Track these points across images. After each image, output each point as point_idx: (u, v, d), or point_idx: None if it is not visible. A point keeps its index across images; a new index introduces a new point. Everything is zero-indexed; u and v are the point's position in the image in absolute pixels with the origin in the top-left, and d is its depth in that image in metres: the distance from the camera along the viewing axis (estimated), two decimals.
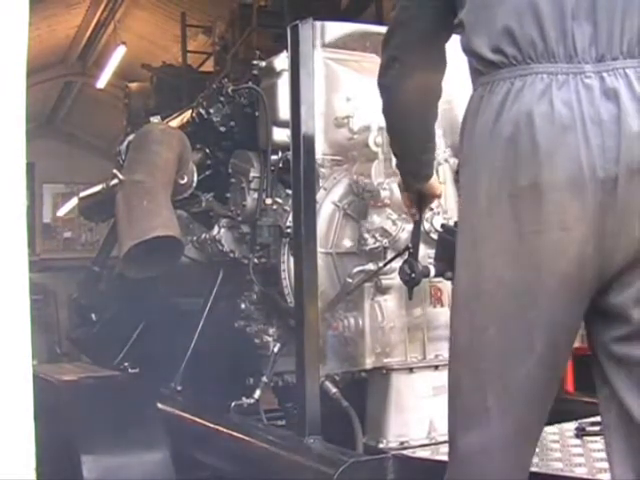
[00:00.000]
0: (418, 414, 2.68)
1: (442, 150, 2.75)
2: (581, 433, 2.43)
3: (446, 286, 2.66)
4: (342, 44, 2.92)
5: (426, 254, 2.58)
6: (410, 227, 2.54)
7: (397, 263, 2.57)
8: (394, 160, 2.20)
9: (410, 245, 2.48)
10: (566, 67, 1.51)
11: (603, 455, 1.63)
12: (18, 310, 1.27)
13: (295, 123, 2.55)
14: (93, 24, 13.12)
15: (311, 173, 2.55)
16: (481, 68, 1.60)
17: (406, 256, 2.48)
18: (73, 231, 17.14)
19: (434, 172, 2.17)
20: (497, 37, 1.56)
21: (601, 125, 1.48)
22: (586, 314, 1.58)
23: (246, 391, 2.96)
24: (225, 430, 2.80)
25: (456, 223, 1.76)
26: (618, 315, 1.55)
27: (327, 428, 2.47)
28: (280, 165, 3.07)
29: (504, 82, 1.55)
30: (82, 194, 4.55)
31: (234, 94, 3.25)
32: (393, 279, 2.66)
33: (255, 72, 3.13)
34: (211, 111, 3.35)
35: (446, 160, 2.77)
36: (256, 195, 3.12)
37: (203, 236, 3.37)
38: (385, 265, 2.66)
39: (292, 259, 2.76)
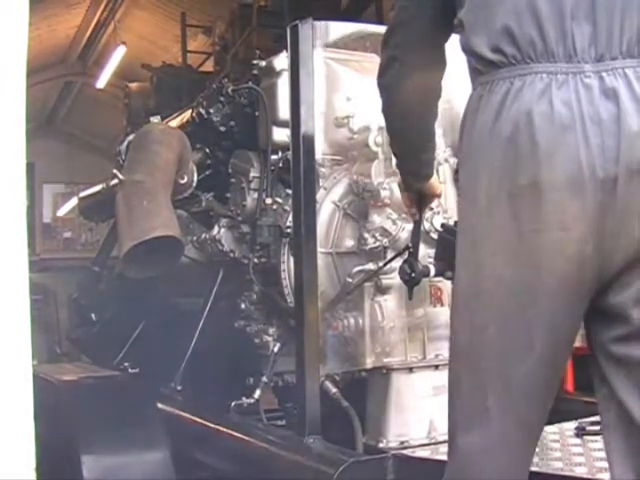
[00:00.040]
0: (418, 414, 2.68)
1: (442, 150, 2.75)
2: (581, 433, 2.43)
3: (446, 286, 2.66)
4: (342, 44, 2.92)
5: (426, 254, 2.58)
6: (410, 227, 2.54)
7: (397, 263, 2.57)
8: (394, 160, 2.20)
9: (410, 245, 2.48)
10: (565, 67, 1.51)
11: (603, 455, 1.63)
12: (18, 310, 1.27)
13: (295, 123, 2.55)
14: (93, 24, 13.12)
15: (311, 173, 2.55)
16: (480, 67, 1.60)
17: (406, 256, 2.48)
18: (73, 231, 17.13)
19: (434, 172, 2.17)
20: (496, 37, 1.56)
21: (601, 125, 1.48)
22: (585, 314, 1.58)
23: (246, 391, 2.96)
24: (225, 430, 2.81)
25: (456, 223, 1.76)
26: (617, 315, 1.55)
27: (327, 428, 2.47)
28: (280, 165, 3.07)
29: (503, 82, 1.55)
30: (82, 194, 4.55)
31: (234, 94, 3.25)
32: (393, 279, 2.66)
33: (255, 72, 3.13)
34: (211, 111, 3.35)
35: (446, 160, 2.77)
36: (256, 195, 3.12)
37: (203, 236, 3.37)
38: (385, 265, 2.66)
39: (292, 259, 2.76)
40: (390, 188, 2.70)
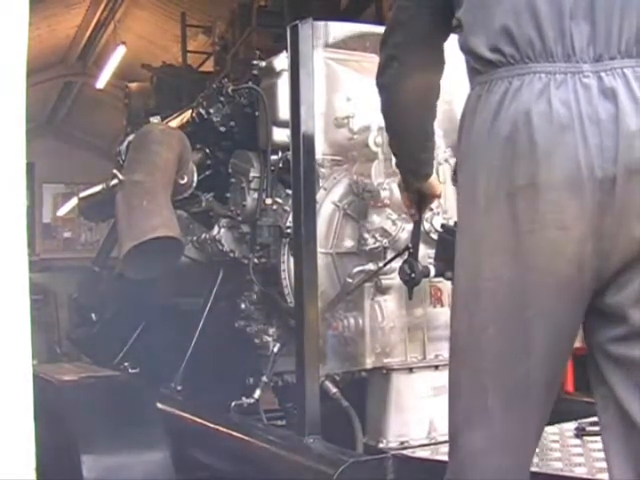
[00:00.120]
0: (418, 414, 2.68)
1: (442, 150, 2.75)
2: (581, 433, 2.43)
3: (446, 286, 2.66)
4: (342, 44, 2.91)
5: (426, 254, 2.58)
6: (410, 227, 2.54)
7: (397, 263, 2.57)
8: (394, 160, 2.20)
9: (410, 245, 2.48)
10: (564, 66, 1.52)
11: (603, 455, 1.63)
12: (18, 310, 1.27)
13: (295, 123, 2.55)
14: (93, 24, 13.13)
15: (311, 173, 2.55)
16: (479, 67, 1.60)
17: (406, 256, 2.48)
18: (73, 231, 17.14)
19: (434, 171, 2.18)
20: (495, 36, 1.56)
21: (599, 124, 1.48)
22: (584, 314, 1.59)
23: (246, 391, 2.96)
24: (225, 430, 2.80)
25: (456, 223, 1.76)
26: (616, 315, 1.55)
27: (327, 428, 2.47)
28: (280, 165, 3.07)
29: (502, 81, 1.55)
30: (82, 194, 4.55)
31: (234, 94, 3.25)
32: (393, 279, 2.66)
33: (255, 72, 3.13)
34: (211, 111, 3.35)
35: (446, 160, 2.77)
36: (256, 195, 3.12)
37: (203, 236, 3.37)
38: (385, 265, 2.66)
39: (292, 259, 2.76)
40: (390, 188, 2.70)
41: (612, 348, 1.56)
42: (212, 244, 3.29)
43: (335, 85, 2.87)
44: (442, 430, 2.52)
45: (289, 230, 2.87)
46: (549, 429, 2.48)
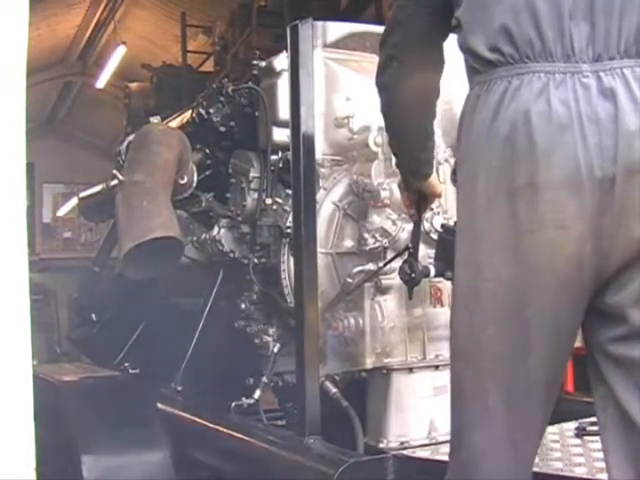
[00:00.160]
0: (418, 414, 2.68)
1: (442, 150, 2.75)
2: (581, 433, 2.43)
3: (446, 286, 2.66)
4: (342, 44, 2.91)
5: (426, 254, 2.58)
6: (410, 227, 2.54)
7: (397, 263, 2.57)
8: (394, 160, 2.20)
9: (410, 245, 2.48)
10: (563, 66, 1.52)
11: (603, 455, 1.63)
12: (18, 310, 1.27)
13: (295, 123, 2.55)
14: (93, 24, 13.12)
15: (311, 173, 2.55)
16: (478, 67, 1.60)
17: (406, 256, 2.48)
18: (73, 231, 17.13)
19: (434, 171, 2.18)
20: (494, 36, 1.56)
21: (598, 124, 1.48)
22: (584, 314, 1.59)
23: (246, 391, 2.96)
24: (225, 430, 2.80)
25: (456, 223, 1.76)
26: (615, 315, 1.55)
27: (327, 428, 2.47)
28: (280, 165, 3.07)
29: (501, 81, 1.55)
30: (82, 194, 4.54)
31: (234, 94, 3.25)
32: (393, 279, 2.66)
33: (255, 72, 3.13)
34: (211, 111, 3.35)
35: (446, 160, 2.77)
36: (256, 195, 3.12)
37: (203, 236, 3.37)
38: (385, 265, 2.66)
39: (292, 259, 2.76)
40: (390, 188, 2.70)
41: (612, 348, 1.56)
42: (212, 244, 3.29)
43: (335, 85, 2.87)
44: (442, 430, 2.52)
45: (289, 230, 2.87)
46: (549, 429, 2.47)
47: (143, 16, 12.46)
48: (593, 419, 2.39)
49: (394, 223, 2.70)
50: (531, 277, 1.53)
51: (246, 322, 3.16)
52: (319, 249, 2.61)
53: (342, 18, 4.17)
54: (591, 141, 1.48)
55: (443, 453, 2.25)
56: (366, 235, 2.73)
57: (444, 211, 2.75)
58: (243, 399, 2.90)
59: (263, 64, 3.09)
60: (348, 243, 2.84)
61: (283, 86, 2.88)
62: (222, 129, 3.34)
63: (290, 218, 2.85)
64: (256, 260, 3.07)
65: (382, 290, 2.71)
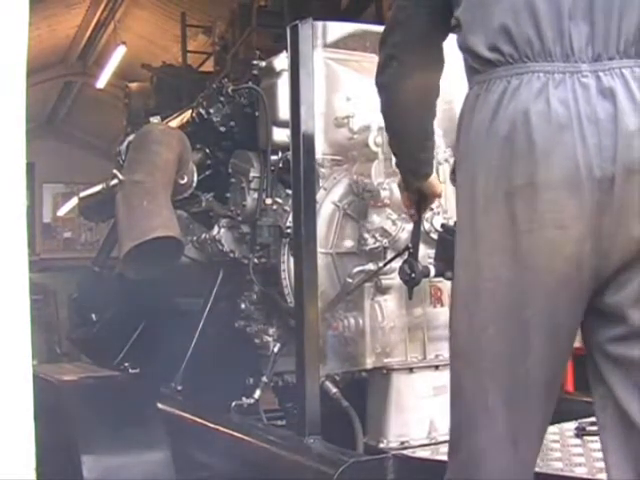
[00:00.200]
0: (418, 414, 2.68)
1: (442, 150, 2.75)
2: (581, 433, 2.43)
3: (446, 286, 2.66)
4: (342, 44, 2.91)
5: (426, 254, 2.58)
6: (410, 227, 2.54)
7: (397, 263, 2.57)
8: (394, 160, 2.20)
9: (410, 245, 2.48)
10: (563, 66, 1.52)
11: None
12: (18, 310, 1.27)
13: (295, 123, 2.55)
14: (93, 24, 13.13)
15: (311, 173, 2.55)
16: (477, 66, 1.61)
17: (406, 256, 2.48)
18: (73, 231, 17.14)
19: (434, 171, 2.18)
20: (494, 35, 1.56)
21: (598, 124, 1.48)
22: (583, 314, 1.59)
23: (246, 391, 2.96)
24: (225, 430, 2.80)
25: (455, 223, 1.76)
26: (614, 315, 1.55)
27: (327, 428, 2.47)
28: (280, 165, 3.07)
29: (500, 80, 1.55)
30: (82, 194, 4.54)
31: (234, 94, 3.25)
32: (393, 279, 2.66)
33: (255, 72, 3.13)
34: (211, 111, 3.35)
35: (446, 160, 2.76)
36: (256, 195, 3.12)
37: (203, 236, 3.37)
38: (385, 265, 2.66)
39: (292, 259, 2.76)
40: (390, 188, 2.70)
41: (611, 348, 1.56)
42: (212, 244, 3.29)
43: (335, 85, 2.87)
44: (442, 430, 2.52)
45: (289, 230, 2.87)
46: (549, 429, 2.47)
47: (143, 16, 12.46)
48: (593, 419, 2.39)
49: (394, 223, 2.70)
50: (530, 277, 1.53)
51: (246, 322, 3.16)
52: (319, 249, 2.61)
53: (342, 18, 4.16)
54: (590, 141, 1.48)
55: (443, 453, 2.25)
56: (366, 235, 2.73)
57: (444, 211, 2.75)
58: (243, 399, 2.90)
59: (263, 64, 3.08)
60: (348, 243, 2.83)
61: (283, 86, 2.88)
62: (222, 129, 3.34)
63: (290, 218, 2.85)
64: (256, 260, 3.07)
65: (382, 290, 2.71)
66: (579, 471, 2.11)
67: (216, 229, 3.27)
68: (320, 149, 2.75)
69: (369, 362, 2.70)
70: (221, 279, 3.38)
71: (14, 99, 1.28)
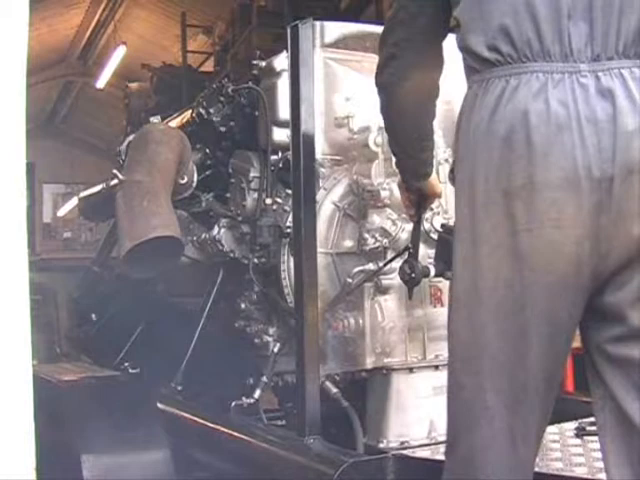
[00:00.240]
0: (418, 414, 2.68)
1: (442, 150, 2.75)
2: (581, 433, 2.43)
3: (446, 286, 2.65)
4: (342, 44, 2.91)
5: (426, 254, 2.58)
6: (410, 227, 2.54)
7: (397, 263, 2.57)
8: (394, 160, 2.20)
9: (410, 245, 2.48)
10: (561, 66, 1.52)
11: None
12: (18, 310, 1.27)
13: (295, 123, 2.55)
14: (93, 24, 13.13)
15: (311, 173, 2.55)
16: (476, 66, 1.60)
17: (406, 256, 2.48)
18: (73, 231, 17.14)
19: (434, 171, 2.18)
20: (493, 35, 1.56)
21: (597, 124, 1.48)
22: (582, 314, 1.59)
23: (246, 391, 2.96)
24: (225, 430, 2.80)
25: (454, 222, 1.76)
26: (614, 315, 1.55)
27: (327, 428, 2.47)
28: (280, 165, 3.07)
29: (499, 80, 1.55)
30: (82, 194, 4.55)
31: (234, 94, 3.25)
32: (393, 279, 2.66)
33: (255, 72, 3.13)
34: (211, 111, 3.35)
35: (446, 160, 2.76)
36: (256, 195, 3.12)
37: (203, 236, 3.37)
38: (385, 265, 2.66)
39: (292, 259, 2.76)
40: (390, 188, 2.70)
41: (610, 348, 1.56)
42: (212, 244, 3.29)
43: (335, 85, 2.87)
44: (442, 430, 2.51)
45: (289, 230, 2.87)
46: (549, 429, 2.47)
47: (143, 16, 12.46)
48: (593, 419, 2.38)
49: (394, 223, 2.70)
50: (529, 277, 1.53)
51: (246, 322, 3.16)
52: (319, 249, 2.61)
53: (342, 18, 4.17)
54: (589, 141, 1.48)
55: (443, 453, 2.24)
56: (366, 235, 2.73)
57: (444, 211, 2.74)
58: (243, 399, 2.89)
59: (263, 64, 3.08)
60: (348, 243, 2.83)
61: (283, 86, 2.88)
62: (222, 129, 3.34)
63: (290, 218, 2.85)
64: (256, 260, 3.07)
65: (382, 290, 2.71)
66: (579, 471, 2.11)
67: (216, 229, 3.27)
68: (320, 149, 2.75)
69: (369, 362, 2.70)
70: (221, 279, 3.38)
71: (14, 99, 1.28)
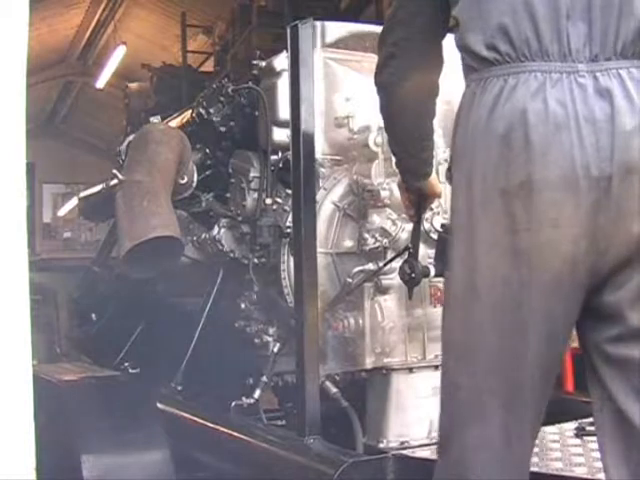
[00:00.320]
0: (418, 414, 2.68)
1: (442, 150, 2.75)
2: (581, 433, 2.43)
3: None
4: (342, 44, 2.91)
5: (426, 254, 2.58)
6: (410, 227, 2.54)
7: (397, 263, 2.57)
8: (394, 160, 2.20)
9: (410, 245, 2.48)
10: (560, 66, 1.52)
11: None
12: (18, 310, 1.27)
13: (295, 123, 2.55)
14: (93, 24, 13.14)
15: (311, 173, 2.55)
16: (474, 65, 1.61)
17: (406, 256, 2.48)
18: (73, 231, 17.15)
19: (434, 171, 2.18)
20: (491, 34, 1.56)
21: (595, 124, 1.49)
22: (579, 313, 1.58)
23: (246, 391, 2.96)
24: (225, 430, 2.80)
25: (450, 221, 1.76)
26: (612, 315, 1.55)
27: (327, 428, 2.47)
28: (280, 165, 3.07)
29: (497, 79, 1.55)
30: (82, 194, 4.55)
31: (234, 94, 3.25)
32: (393, 279, 2.66)
33: (255, 72, 3.13)
34: (211, 111, 3.35)
35: (446, 160, 2.76)
36: (256, 195, 3.12)
37: (203, 236, 3.37)
38: (385, 265, 2.66)
39: (292, 259, 2.76)
40: (390, 188, 2.70)
41: (608, 348, 1.56)
42: (212, 244, 3.29)
43: (335, 85, 2.87)
44: None
45: (289, 230, 2.87)
46: (549, 429, 2.48)
47: (143, 16, 12.46)
48: (593, 419, 2.39)
49: (394, 223, 2.70)
50: (527, 275, 1.53)
51: (246, 322, 3.16)
52: (319, 249, 2.61)
53: (342, 18, 4.17)
54: (587, 140, 1.48)
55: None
56: (366, 235, 2.73)
57: (444, 211, 2.74)
58: (243, 399, 2.90)
59: (263, 64, 3.08)
60: (348, 243, 2.83)
61: (283, 86, 2.88)
62: (222, 129, 3.34)
63: (290, 218, 2.85)
64: (256, 260, 3.07)
65: (382, 290, 2.71)
66: (579, 471, 2.11)
67: (216, 229, 3.27)
68: (320, 149, 2.75)
69: (369, 362, 2.70)
70: (221, 279, 3.38)
71: (14, 99, 1.28)
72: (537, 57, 1.53)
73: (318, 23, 2.76)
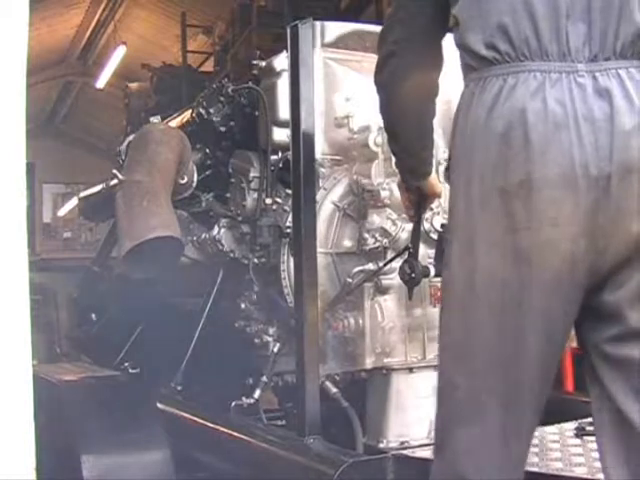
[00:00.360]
0: (418, 414, 2.68)
1: (442, 150, 2.75)
2: (581, 433, 2.43)
3: None
4: (342, 44, 2.91)
5: (426, 254, 2.58)
6: (410, 227, 2.54)
7: (397, 263, 2.57)
8: (394, 159, 2.20)
9: (410, 245, 2.48)
10: (559, 65, 1.52)
11: None
12: (18, 310, 1.27)
13: (295, 123, 2.55)
14: (93, 24, 13.13)
15: (311, 173, 2.55)
16: (474, 64, 1.61)
17: (406, 256, 2.48)
18: (73, 231, 17.14)
19: (434, 171, 2.18)
20: (491, 33, 1.56)
21: (594, 123, 1.49)
22: (578, 313, 1.58)
23: (246, 391, 2.96)
24: (225, 430, 2.80)
25: (449, 220, 1.76)
26: (612, 314, 1.55)
27: (327, 428, 2.47)
28: (280, 165, 3.07)
29: (497, 79, 1.55)
30: (82, 194, 4.55)
31: (234, 94, 3.25)
32: (393, 279, 2.66)
33: (255, 72, 3.13)
34: (211, 111, 3.35)
35: (446, 159, 2.76)
36: (256, 195, 3.12)
37: (203, 236, 3.37)
38: (385, 265, 2.66)
39: (292, 259, 2.76)
40: (390, 188, 2.70)
41: (608, 348, 1.56)
42: (212, 244, 3.29)
43: (335, 85, 2.87)
44: None
45: (289, 230, 2.87)
46: (549, 429, 2.47)
47: (143, 16, 12.46)
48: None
49: (394, 223, 2.70)
50: (526, 274, 1.53)
51: (246, 322, 3.16)
52: (319, 249, 2.61)
53: (342, 18, 4.17)
54: (586, 140, 1.48)
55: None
56: (366, 235, 2.73)
57: (444, 211, 2.74)
58: (243, 399, 2.90)
59: (263, 64, 3.08)
60: (348, 243, 2.83)
61: (283, 86, 2.88)
62: (222, 129, 3.34)
63: (290, 218, 2.85)
64: (256, 260, 3.07)
65: (382, 290, 2.71)
66: (579, 471, 2.11)
67: (216, 229, 3.27)
68: (320, 149, 2.75)
69: (369, 362, 2.70)
70: (221, 279, 3.38)
71: (14, 99, 1.28)
72: (536, 57, 1.53)
73: (318, 23, 2.76)
